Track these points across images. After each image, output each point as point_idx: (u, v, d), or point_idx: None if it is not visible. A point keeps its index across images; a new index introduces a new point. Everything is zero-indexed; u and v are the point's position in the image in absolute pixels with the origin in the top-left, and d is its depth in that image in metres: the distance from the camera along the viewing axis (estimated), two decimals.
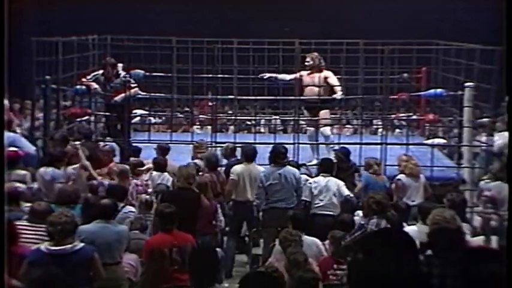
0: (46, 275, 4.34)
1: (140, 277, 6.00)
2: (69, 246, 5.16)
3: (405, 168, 8.29)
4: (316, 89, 9.96)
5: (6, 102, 9.53)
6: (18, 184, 6.86)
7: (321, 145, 10.17)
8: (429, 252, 4.32)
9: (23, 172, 7.50)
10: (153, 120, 13.23)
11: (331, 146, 9.93)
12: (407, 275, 2.89)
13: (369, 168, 8.40)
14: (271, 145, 8.54)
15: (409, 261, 2.95)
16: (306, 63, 10.08)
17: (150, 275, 5.87)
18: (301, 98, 10.13)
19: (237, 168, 8.10)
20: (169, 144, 9.60)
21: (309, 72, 10.06)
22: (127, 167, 8.10)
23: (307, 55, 10.19)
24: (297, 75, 10.13)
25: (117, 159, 9.29)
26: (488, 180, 8.27)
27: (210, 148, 9.28)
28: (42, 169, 7.68)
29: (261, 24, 15.72)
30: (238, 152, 8.79)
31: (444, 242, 4.30)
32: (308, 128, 10.52)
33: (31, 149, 8.50)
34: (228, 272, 7.76)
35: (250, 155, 8.19)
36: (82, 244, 5.28)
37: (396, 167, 8.83)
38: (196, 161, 8.52)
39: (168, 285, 5.84)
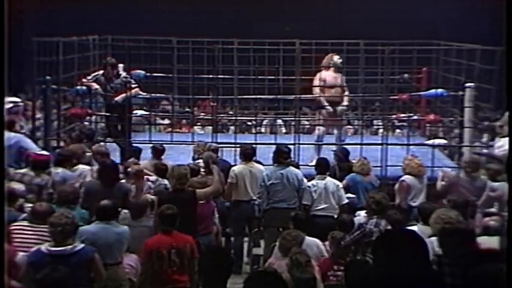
0: (47, 276, 4.35)
1: (139, 277, 5.98)
2: (70, 247, 5.19)
3: (410, 168, 8.21)
4: (340, 89, 10.14)
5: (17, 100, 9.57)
6: (17, 185, 6.84)
7: (323, 146, 10.16)
8: (439, 252, 4.32)
9: (47, 177, 7.44)
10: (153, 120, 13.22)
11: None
12: (421, 275, 2.88)
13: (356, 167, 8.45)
14: (271, 145, 8.52)
15: (422, 262, 2.94)
16: (339, 61, 10.23)
17: (148, 276, 5.85)
18: (324, 97, 10.22)
19: (235, 168, 8.10)
20: (170, 145, 9.59)
21: (331, 72, 10.19)
22: (142, 167, 8.03)
23: (333, 55, 10.35)
24: (318, 76, 10.21)
25: (117, 159, 9.29)
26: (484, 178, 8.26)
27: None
28: (51, 169, 7.52)
29: (261, 25, 15.72)
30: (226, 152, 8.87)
31: (454, 242, 4.30)
32: (319, 127, 10.50)
33: (36, 149, 8.48)
34: (237, 269, 7.79)
35: (247, 154, 8.20)
36: (82, 245, 5.30)
37: (396, 167, 8.84)
38: (198, 161, 8.49)
39: (167, 287, 5.83)
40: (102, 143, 9.36)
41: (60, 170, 7.52)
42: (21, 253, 5.40)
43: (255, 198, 7.94)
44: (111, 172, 7.11)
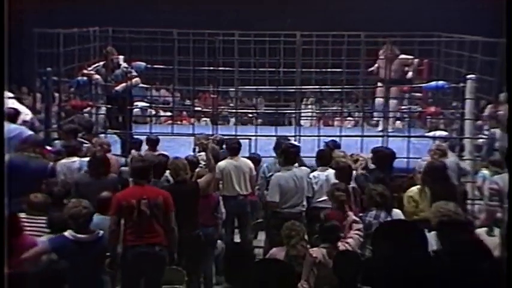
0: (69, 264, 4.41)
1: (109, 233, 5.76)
2: (93, 233, 5.30)
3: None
4: None
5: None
6: None
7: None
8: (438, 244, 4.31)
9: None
10: (154, 112, 13.20)
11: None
12: (419, 267, 2.88)
13: None
14: (271, 137, 8.48)
15: (420, 253, 2.94)
16: None
17: (117, 229, 5.75)
18: None
19: (220, 164, 7.85)
20: (171, 137, 9.58)
21: None
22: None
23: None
24: None
25: (118, 151, 9.29)
26: (486, 171, 8.25)
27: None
28: (64, 161, 7.51)
29: (261, 24, 15.65)
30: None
31: (452, 234, 4.30)
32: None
33: None
34: None
35: (233, 148, 8.06)
36: (102, 231, 5.39)
37: (397, 159, 8.80)
38: (200, 154, 8.46)
39: (139, 243, 5.79)
40: (102, 136, 9.34)
41: (75, 158, 7.51)
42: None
43: (243, 193, 7.83)
44: (102, 165, 7.01)
